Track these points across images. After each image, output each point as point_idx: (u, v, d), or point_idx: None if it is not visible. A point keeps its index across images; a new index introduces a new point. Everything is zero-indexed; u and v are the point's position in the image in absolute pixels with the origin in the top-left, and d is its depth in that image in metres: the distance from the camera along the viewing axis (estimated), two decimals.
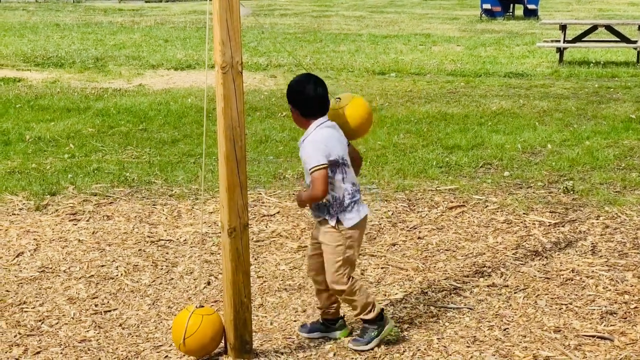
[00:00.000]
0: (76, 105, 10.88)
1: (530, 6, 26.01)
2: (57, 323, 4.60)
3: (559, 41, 15.64)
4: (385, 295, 5.00)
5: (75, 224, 6.17)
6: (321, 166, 4.00)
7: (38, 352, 4.27)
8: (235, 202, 3.96)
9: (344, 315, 4.51)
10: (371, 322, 4.30)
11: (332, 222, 4.12)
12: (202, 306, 4.16)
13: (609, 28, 15.84)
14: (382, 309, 4.37)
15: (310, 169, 4.03)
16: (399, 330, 4.51)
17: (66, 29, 21.65)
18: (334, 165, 4.07)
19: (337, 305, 4.43)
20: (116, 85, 12.73)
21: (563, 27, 15.51)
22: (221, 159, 3.95)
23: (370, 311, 4.27)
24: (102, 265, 5.41)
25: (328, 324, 4.44)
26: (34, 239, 5.86)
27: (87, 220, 6.26)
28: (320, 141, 4.05)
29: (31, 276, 5.24)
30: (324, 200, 4.10)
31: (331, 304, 4.41)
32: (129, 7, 31.32)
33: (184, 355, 4.21)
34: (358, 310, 4.27)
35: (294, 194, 4.14)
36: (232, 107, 3.91)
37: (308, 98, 4.10)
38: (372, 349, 4.27)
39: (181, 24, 23.59)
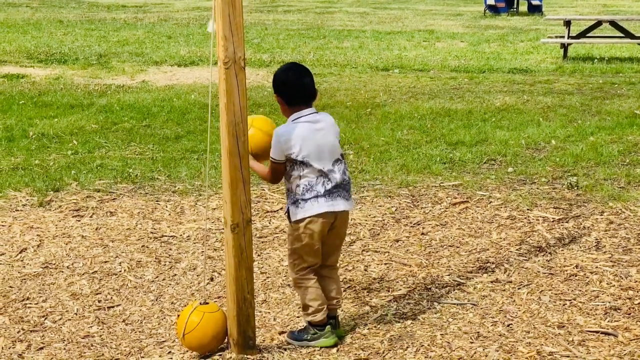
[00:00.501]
0: (79, 102, 10.88)
1: (534, 2, 25.98)
2: (60, 319, 4.60)
3: (563, 37, 15.60)
4: (389, 291, 4.99)
5: (79, 220, 6.17)
6: (276, 161, 4.15)
7: (41, 348, 4.26)
8: (238, 197, 3.96)
9: (337, 315, 4.44)
10: (311, 325, 4.26)
11: (287, 211, 4.24)
12: (207, 302, 4.15)
13: (613, 24, 15.80)
14: (330, 324, 4.28)
15: (270, 158, 4.17)
16: (402, 325, 4.50)
17: (69, 25, 21.63)
18: (290, 161, 4.13)
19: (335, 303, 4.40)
20: (119, 82, 12.73)
21: (567, 23, 15.47)
22: (224, 154, 3.95)
23: (310, 314, 4.26)
24: (106, 261, 5.41)
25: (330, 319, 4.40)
26: (37, 235, 5.86)
27: (91, 217, 6.26)
28: (283, 135, 4.11)
29: (34, 272, 5.23)
30: (288, 188, 4.21)
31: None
32: (133, 4, 31.29)
33: (187, 351, 4.20)
34: (301, 305, 4.33)
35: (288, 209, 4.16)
36: (234, 103, 3.90)
37: (293, 86, 4.14)
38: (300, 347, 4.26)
39: (184, 20, 23.57)
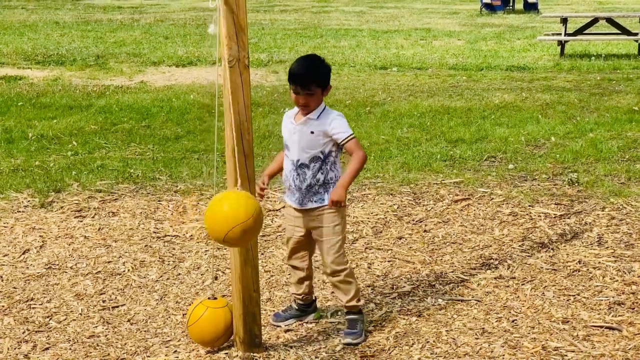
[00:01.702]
0: (78, 103, 10.87)
1: (531, 0, 25.99)
2: (65, 319, 4.60)
3: (560, 34, 15.62)
4: (393, 288, 5.00)
5: (81, 221, 6.17)
6: (352, 135, 4.09)
7: (47, 348, 4.26)
8: None
9: (316, 298, 4.61)
10: (357, 312, 4.31)
11: (326, 203, 4.14)
12: (215, 297, 4.15)
13: (609, 20, 15.83)
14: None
15: (347, 137, 4.07)
16: (407, 322, 4.52)
17: (66, 27, 21.61)
18: (336, 146, 4.16)
19: (312, 289, 4.52)
20: (118, 83, 12.72)
21: (564, 20, 15.50)
22: (228, 153, 3.95)
23: (360, 299, 4.32)
24: (109, 262, 5.41)
25: (304, 308, 4.51)
26: (40, 236, 5.85)
27: (93, 217, 6.25)
28: (343, 116, 4.15)
29: (38, 273, 5.23)
30: (327, 179, 4.13)
31: (310, 290, 4.48)
32: (128, 5, 31.27)
33: (192, 350, 4.21)
34: (351, 294, 4.26)
35: (323, 210, 4.10)
36: (239, 101, 3.91)
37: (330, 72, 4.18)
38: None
39: (181, 21, 23.55)
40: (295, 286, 4.48)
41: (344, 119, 4.14)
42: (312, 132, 4.11)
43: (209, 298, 4.13)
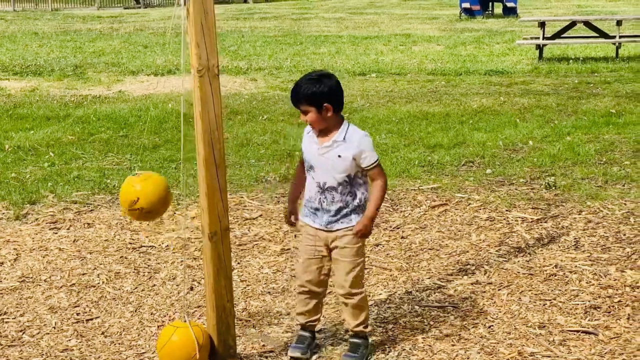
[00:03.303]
0: (56, 113, 10.80)
1: (509, 4, 26.13)
2: (38, 333, 4.55)
3: (538, 38, 15.69)
4: (370, 295, 4.97)
5: (56, 233, 6.11)
6: (378, 161, 4.00)
7: None
8: (215, 206, 3.93)
9: None
10: (364, 337, 4.18)
11: (354, 223, 4.02)
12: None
13: (587, 24, 15.91)
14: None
15: (372, 164, 3.96)
16: (383, 330, 4.50)
17: (45, 37, 21.51)
18: (362, 170, 4.03)
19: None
20: (96, 92, 12.65)
21: (542, 24, 15.57)
22: (200, 163, 3.92)
23: (368, 325, 4.20)
24: (84, 274, 5.36)
25: (315, 333, 4.33)
26: (14, 249, 5.79)
27: (68, 229, 6.20)
28: (369, 137, 4.02)
29: (11, 286, 5.17)
30: (356, 201, 4.01)
31: (318, 315, 4.30)
32: (108, 14, 31.18)
33: None
34: (360, 319, 4.13)
35: (344, 230, 4.00)
36: (209, 111, 3.88)
37: (342, 92, 4.00)
38: None
39: (160, 29, 23.50)
40: (310, 313, 4.23)
41: (370, 140, 3.99)
42: (339, 156, 3.94)
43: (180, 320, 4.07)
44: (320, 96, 3.90)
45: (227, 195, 4.00)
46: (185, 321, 3.97)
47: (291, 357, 4.21)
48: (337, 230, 4.02)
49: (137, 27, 24.69)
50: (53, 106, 11.39)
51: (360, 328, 4.16)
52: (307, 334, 4.28)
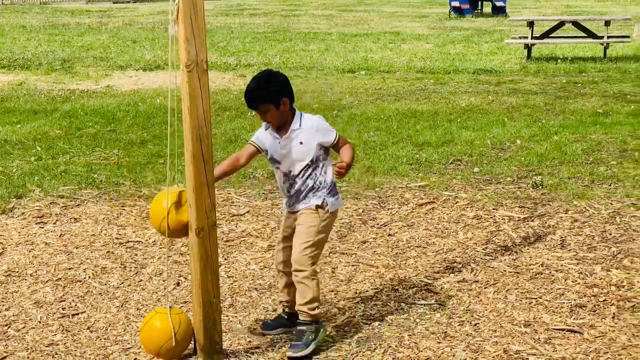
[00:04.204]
0: (43, 107, 10.76)
1: (498, 3, 26.19)
2: (23, 327, 4.53)
3: (526, 38, 15.73)
4: (356, 292, 4.98)
5: (42, 227, 6.09)
6: (338, 135, 4.27)
7: (4, 357, 4.19)
8: (203, 201, 3.92)
9: None
10: (309, 322, 4.21)
11: (318, 202, 4.22)
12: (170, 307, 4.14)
13: (576, 24, 15.97)
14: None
15: (334, 139, 4.24)
16: (370, 327, 4.50)
17: (33, 30, 21.42)
18: (325, 151, 4.27)
19: None
20: (84, 87, 12.61)
21: (531, 24, 15.61)
22: (188, 158, 3.91)
23: (317, 308, 4.22)
24: (70, 268, 5.34)
25: (292, 318, 4.40)
26: (0, 243, 5.77)
27: (54, 223, 6.18)
28: (323, 118, 4.29)
29: None
30: (317, 183, 4.22)
31: (289, 297, 4.41)
32: (97, 9, 31.06)
33: (152, 358, 4.16)
34: (306, 299, 4.18)
35: (308, 209, 4.22)
36: (197, 106, 3.88)
37: (291, 85, 4.24)
38: (310, 353, 4.15)
39: (149, 24, 23.44)
40: (282, 292, 4.45)
41: (323, 119, 4.28)
42: (300, 143, 4.19)
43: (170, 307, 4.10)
44: (276, 93, 4.15)
45: (215, 191, 3.99)
46: (167, 308, 4.05)
47: (259, 332, 4.45)
48: (298, 211, 4.26)
49: (126, 21, 24.62)
50: (40, 100, 11.35)
51: (304, 309, 4.20)
52: (283, 314, 4.49)
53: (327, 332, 4.39)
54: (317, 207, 4.21)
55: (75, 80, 13.38)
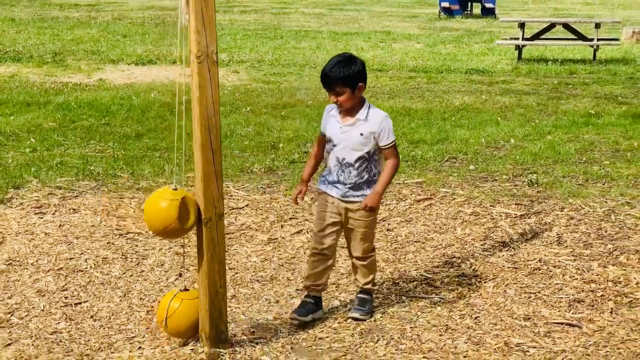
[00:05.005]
0: (36, 100, 10.73)
1: (488, 5, 26.29)
2: (27, 315, 4.54)
3: (517, 39, 15.83)
4: (358, 286, 5.01)
5: (41, 217, 6.09)
6: (394, 141, 4.35)
7: (9, 344, 4.20)
8: (211, 192, 3.95)
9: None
10: (370, 294, 4.61)
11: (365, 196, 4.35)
12: (187, 289, 4.15)
13: (566, 26, 16.08)
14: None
15: (389, 143, 4.31)
16: (372, 319, 4.54)
17: (22, 23, 21.30)
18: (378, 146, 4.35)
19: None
20: (76, 80, 12.58)
21: (522, 25, 15.71)
22: (196, 148, 3.94)
23: (375, 284, 4.68)
24: (71, 258, 5.35)
25: (318, 302, 4.53)
26: (0, 232, 5.77)
27: (53, 214, 6.18)
28: (389, 117, 4.35)
29: None
30: (370, 176, 4.33)
31: (323, 280, 4.53)
32: (85, 2, 30.93)
33: (157, 347, 4.19)
34: (370, 277, 4.57)
35: (359, 203, 4.35)
36: (207, 96, 3.91)
37: (366, 73, 4.33)
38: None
39: (139, 19, 23.36)
40: (316, 276, 4.50)
41: (390, 121, 4.33)
42: (361, 134, 4.25)
43: (181, 290, 4.13)
44: (355, 76, 4.21)
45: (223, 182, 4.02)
46: (175, 189, 3.94)
47: (290, 319, 4.46)
48: (352, 202, 4.35)
49: (115, 16, 24.52)
50: (33, 92, 11.32)
51: (369, 286, 4.59)
52: (310, 300, 4.52)
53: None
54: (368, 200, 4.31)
55: (67, 73, 13.34)
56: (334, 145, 4.33)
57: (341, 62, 4.21)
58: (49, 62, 14.48)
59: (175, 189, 3.94)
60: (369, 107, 4.31)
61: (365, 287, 4.59)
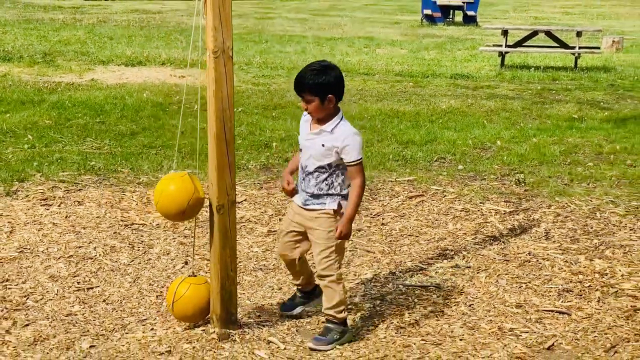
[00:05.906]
0: (30, 98, 10.86)
1: (470, 13, 26.65)
2: (42, 299, 4.73)
3: (500, 46, 16.15)
4: (356, 275, 5.25)
5: (48, 209, 6.27)
6: (360, 160, 4.13)
7: (27, 325, 4.39)
8: (224, 180, 4.18)
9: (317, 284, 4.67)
10: (339, 323, 4.28)
11: (334, 207, 4.18)
12: (195, 275, 4.37)
13: (548, 34, 16.42)
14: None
15: (353, 161, 4.10)
16: (371, 305, 4.77)
17: (7, 24, 21.36)
18: None
19: (312, 279, 4.58)
20: (68, 80, 12.72)
21: (505, 32, 16.03)
22: (211, 139, 4.16)
23: (342, 311, 4.28)
24: (80, 247, 5.54)
25: (309, 295, 4.65)
26: (9, 222, 5.94)
27: (59, 206, 6.36)
28: (359, 135, 4.17)
29: (11, 256, 5.33)
30: (332, 190, 4.16)
31: (309, 280, 4.59)
32: (69, 5, 30.98)
33: (169, 327, 4.39)
34: (332, 303, 4.23)
35: (318, 211, 4.21)
36: (222, 90, 4.13)
37: (344, 83, 4.18)
38: (330, 351, 4.20)
39: (124, 22, 23.49)
40: (295, 276, 4.56)
41: (358, 139, 4.13)
42: (323, 145, 4.12)
43: (189, 276, 4.34)
44: (325, 87, 4.09)
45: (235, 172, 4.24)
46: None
47: (280, 314, 4.59)
48: (312, 210, 4.22)
49: (100, 18, 24.63)
50: (27, 91, 11.45)
51: (331, 312, 4.26)
52: (298, 293, 4.64)
53: (352, 338, 4.33)
54: (334, 211, 4.18)
55: (59, 73, 13.48)
56: (301, 151, 4.26)
57: (315, 70, 4.09)
58: (39, 62, 14.59)
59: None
60: (340, 120, 4.13)
61: (327, 312, 4.27)
